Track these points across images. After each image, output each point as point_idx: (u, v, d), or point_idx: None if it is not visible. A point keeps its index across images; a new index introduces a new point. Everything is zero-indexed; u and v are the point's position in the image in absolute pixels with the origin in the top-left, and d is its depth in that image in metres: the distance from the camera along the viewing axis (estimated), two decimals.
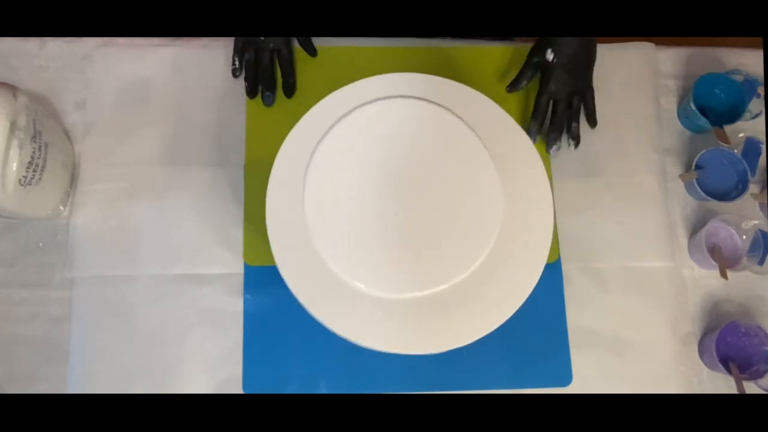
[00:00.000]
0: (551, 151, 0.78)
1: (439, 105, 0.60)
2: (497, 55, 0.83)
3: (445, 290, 0.56)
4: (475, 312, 0.57)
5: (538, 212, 0.60)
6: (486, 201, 0.59)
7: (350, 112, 0.60)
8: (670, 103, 0.84)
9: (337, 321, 0.57)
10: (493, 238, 0.57)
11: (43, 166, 0.68)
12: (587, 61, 0.78)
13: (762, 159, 0.81)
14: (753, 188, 0.79)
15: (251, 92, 0.78)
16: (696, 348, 0.77)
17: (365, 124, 0.60)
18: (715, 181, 0.79)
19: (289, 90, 0.79)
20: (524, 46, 0.82)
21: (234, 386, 0.71)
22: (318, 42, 0.81)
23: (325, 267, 0.56)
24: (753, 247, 0.77)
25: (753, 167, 0.80)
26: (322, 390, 0.72)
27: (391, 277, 0.56)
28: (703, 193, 0.77)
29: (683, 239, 0.80)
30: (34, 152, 0.67)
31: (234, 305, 0.73)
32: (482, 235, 0.57)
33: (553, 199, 0.62)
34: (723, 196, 0.78)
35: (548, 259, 0.59)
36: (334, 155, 0.59)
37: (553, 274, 0.76)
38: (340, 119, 0.59)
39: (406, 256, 0.57)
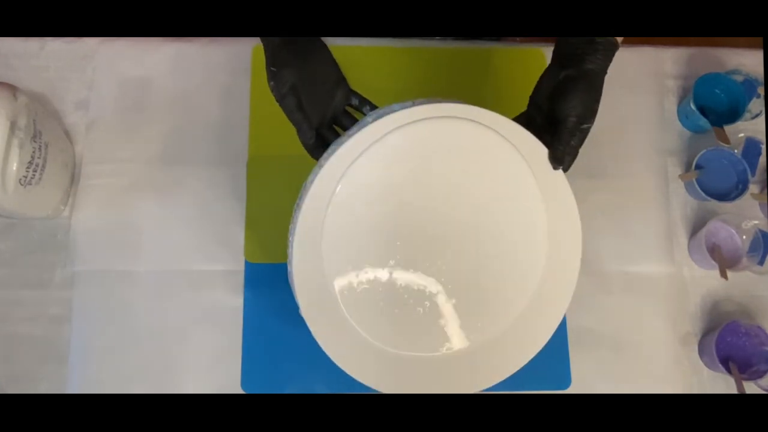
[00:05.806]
0: None
1: (484, 125, 0.54)
2: (505, 55, 0.83)
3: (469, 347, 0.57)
4: (492, 358, 0.58)
5: (567, 253, 0.58)
6: (528, 250, 0.57)
7: (372, 144, 0.53)
8: (670, 103, 0.84)
9: (359, 372, 0.57)
10: (527, 298, 0.57)
11: (43, 166, 0.68)
12: None
13: (762, 159, 0.81)
14: (753, 188, 0.79)
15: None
16: (696, 348, 0.77)
17: (391, 156, 0.54)
18: (715, 181, 0.79)
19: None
20: (526, 47, 0.81)
21: (233, 385, 0.71)
22: (327, 41, 0.81)
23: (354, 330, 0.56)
24: (753, 247, 0.77)
25: (753, 167, 0.80)
26: (321, 390, 0.72)
27: (416, 336, 0.57)
28: (703, 193, 0.77)
29: (683, 239, 0.80)
30: (34, 152, 0.67)
31: (234, 303, 0.73)
32: (518, 292, 0.57)
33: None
34: (723, 196, 0.78)
35: None
36: (358, 194, 0.54)
37: None
38: (362, 153, 0.54)
39: (434, 312, 0.57)
